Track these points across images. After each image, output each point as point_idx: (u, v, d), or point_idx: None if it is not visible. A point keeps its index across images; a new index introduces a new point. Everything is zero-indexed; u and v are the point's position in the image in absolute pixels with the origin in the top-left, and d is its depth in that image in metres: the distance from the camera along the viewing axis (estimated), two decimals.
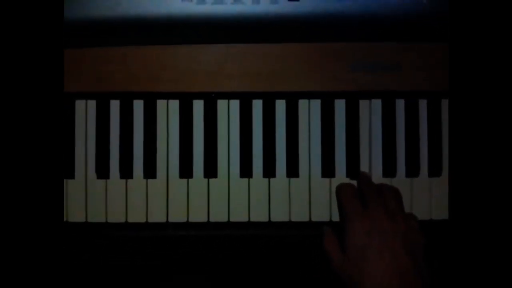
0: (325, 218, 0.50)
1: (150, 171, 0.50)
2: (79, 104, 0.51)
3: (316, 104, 0.51)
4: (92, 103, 0.51)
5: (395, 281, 0.40)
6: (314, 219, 0.50)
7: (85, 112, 0.51)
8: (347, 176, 0.51)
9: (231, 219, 0.50)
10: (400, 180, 0.51)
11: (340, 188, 0.48)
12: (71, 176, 0.50)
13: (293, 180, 0.51)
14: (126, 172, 0.50)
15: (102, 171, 0.50)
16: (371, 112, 0.52)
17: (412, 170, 0.51)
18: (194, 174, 0.51)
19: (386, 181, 0.51)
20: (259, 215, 0.50)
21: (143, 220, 0.50)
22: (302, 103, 0.51)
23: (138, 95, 0.51)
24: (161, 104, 0.51)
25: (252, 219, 0.50)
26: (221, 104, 0.51)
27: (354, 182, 0.50)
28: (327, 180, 0.51)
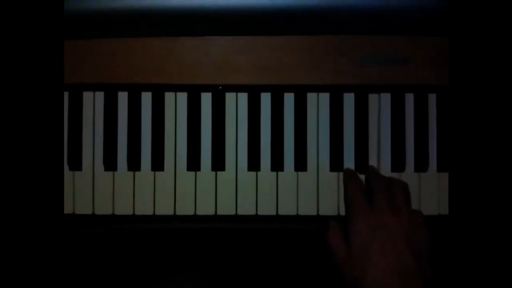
0: (333, 212, 0.50)
1: (157, 164, 0.50)
2: (87, 96, 0.51)
3: (325, 97, 0.51)
4: (100, 95, 0.51)
5: (396, 278, 0.41)
6: (322, 213, 0.50)
7: (92, 104, 0.51)
8: (355, 170, 0.51)
9: (239, 212, 0.50)
10: (408, 175, 0.50)
11: (347, 181, 0.48)
12: (79, 168, 0.50)
13: (301, 173, 0.50)
14: (134, 164, 0.50)
15: (110, 163, 0.50)
16: (380, 106, 0.51)
17: (421, 165, 0.51)
18: (202, 167, 0.50)
19: (395, 175, 0.50)
20: (266, 209, 0.50)
21: (150, 212, 0.50)
22: (311, 97, 0.51)
23: (146, 87, 0.51)
24: (169, 96, 0.51)
25: (259, 213, 0.50)
26: (229, 97, 0.51)
27: (362, 177, 0.50)
28: (335, 174, 0.50)
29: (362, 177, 0.50)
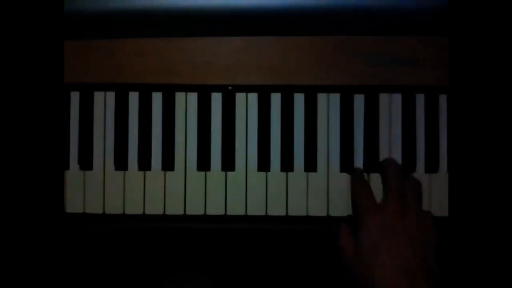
0: (343, 213, 0.50)
1: (168, 163, 0.50)
2: (98, 96, 0.51)
3: (335, 98, 0.51)
4: (111, 95, 0.51)
5: (403, 278, 0.41)
6: (332, 213, 0.50)
7: (103, 104, 0.51)
8: (365, 171, 0.51)
9: (249, 213, 0.50)
10: (419, 176, 0.50)
11: (354, 182, 0.48)
12: (89, 167, 0.50)
13: (311, 174, 0.50)
14: (144, 164, 0.50)
15: (120, 163, 0.50)
16: (390, 106, 0.51)
17: (431, 166, 0.51)
18: (212, 167, 0.50)
19: None
20: (276, 209, 0.50)
21: (160, 212, 0.50)
22: (321, 97, 0.51)
23: (157, 87, 0.51)
24: (179, 96, 0.51)
25: (269, 213, 0.50)
26: (239, 97, 0.51)
27: (372, 176, 0.50)
28: (345, 175, 0.50)
29: (372, 176, 0.50)
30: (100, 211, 0.50)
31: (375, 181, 0.50)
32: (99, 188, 0.50)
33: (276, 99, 0.51)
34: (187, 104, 0.51)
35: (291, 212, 0.50)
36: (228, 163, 0.50)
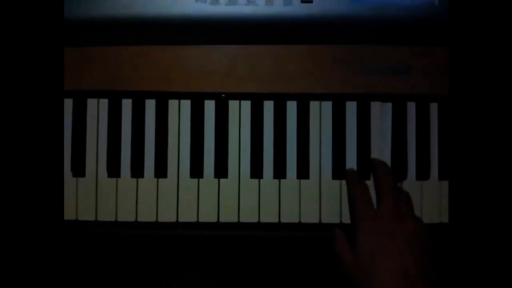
0: (335, 220, 0.50)
1: (161, 171, 0.50)
2: (91, 103, 0.51)
3: (328, 105, 0.51)
4: (104, 102, 0.51)
5: (402, 280, 0.41)
6: (324, 220, 0.50)
7: (97, 111, 0.51)
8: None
9: (241, 220, 0.50)
10: (410, 183, 0.51)
11: (352, 187, 0.49)
12: (82, 174, 0.50)
13: (303, 181, 0.51)
14: (137, 171, 0.50)
15: (113, 170, 0.50)
16: (382, 114, 0.52)
17: (423, 173, 0.51)
18: (205, 174, 0.51)
19: None
20: (269, 216, 0.50)
21: (153, 219, 0.50)
22: (313, 105, 0.51)
23: (150, 95, 0.51)
24: (173, 104, 0.51)
25: (262, 220, 0.50)
26: (233, 105, 0.51)
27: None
28: (337, 181, 0.51)
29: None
30: (92, 218, 0.50)
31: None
32: (92, 195, 0.50)
33: (269, 106, 0.51)
34: (180, 112, 0.51)
35: (284, 219, 0.50)
36: (221, 170, 0.51)
